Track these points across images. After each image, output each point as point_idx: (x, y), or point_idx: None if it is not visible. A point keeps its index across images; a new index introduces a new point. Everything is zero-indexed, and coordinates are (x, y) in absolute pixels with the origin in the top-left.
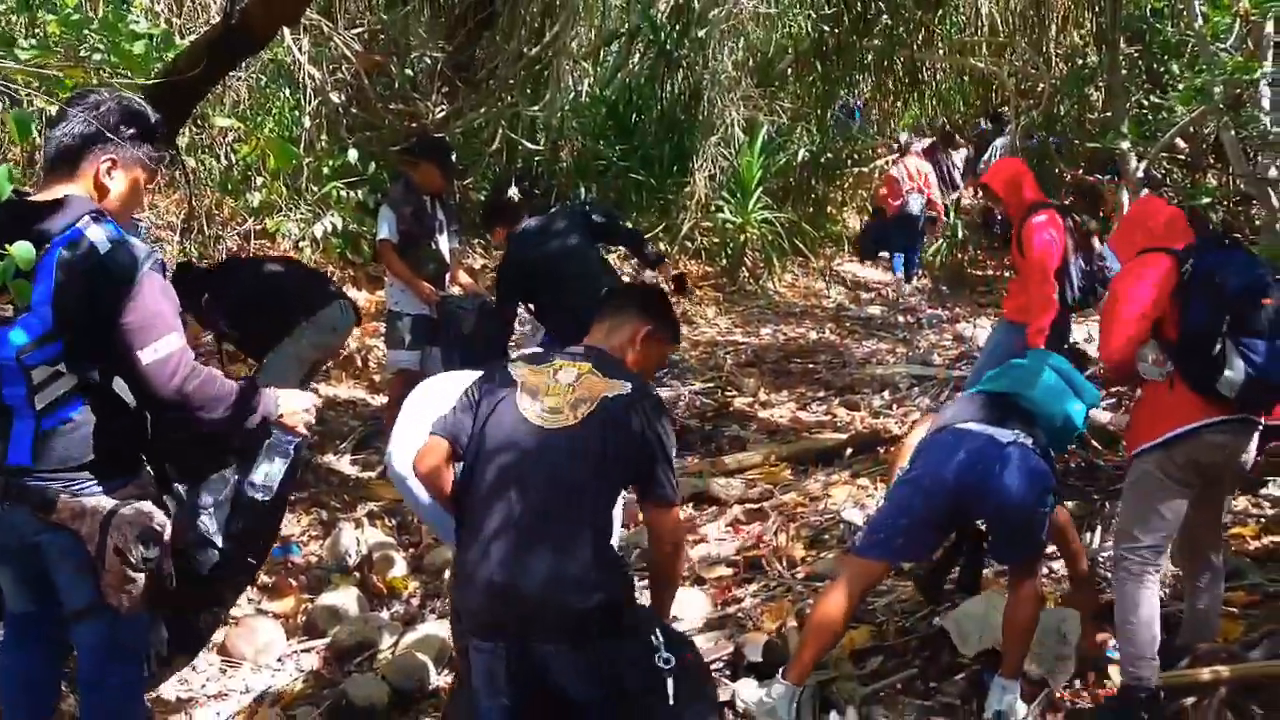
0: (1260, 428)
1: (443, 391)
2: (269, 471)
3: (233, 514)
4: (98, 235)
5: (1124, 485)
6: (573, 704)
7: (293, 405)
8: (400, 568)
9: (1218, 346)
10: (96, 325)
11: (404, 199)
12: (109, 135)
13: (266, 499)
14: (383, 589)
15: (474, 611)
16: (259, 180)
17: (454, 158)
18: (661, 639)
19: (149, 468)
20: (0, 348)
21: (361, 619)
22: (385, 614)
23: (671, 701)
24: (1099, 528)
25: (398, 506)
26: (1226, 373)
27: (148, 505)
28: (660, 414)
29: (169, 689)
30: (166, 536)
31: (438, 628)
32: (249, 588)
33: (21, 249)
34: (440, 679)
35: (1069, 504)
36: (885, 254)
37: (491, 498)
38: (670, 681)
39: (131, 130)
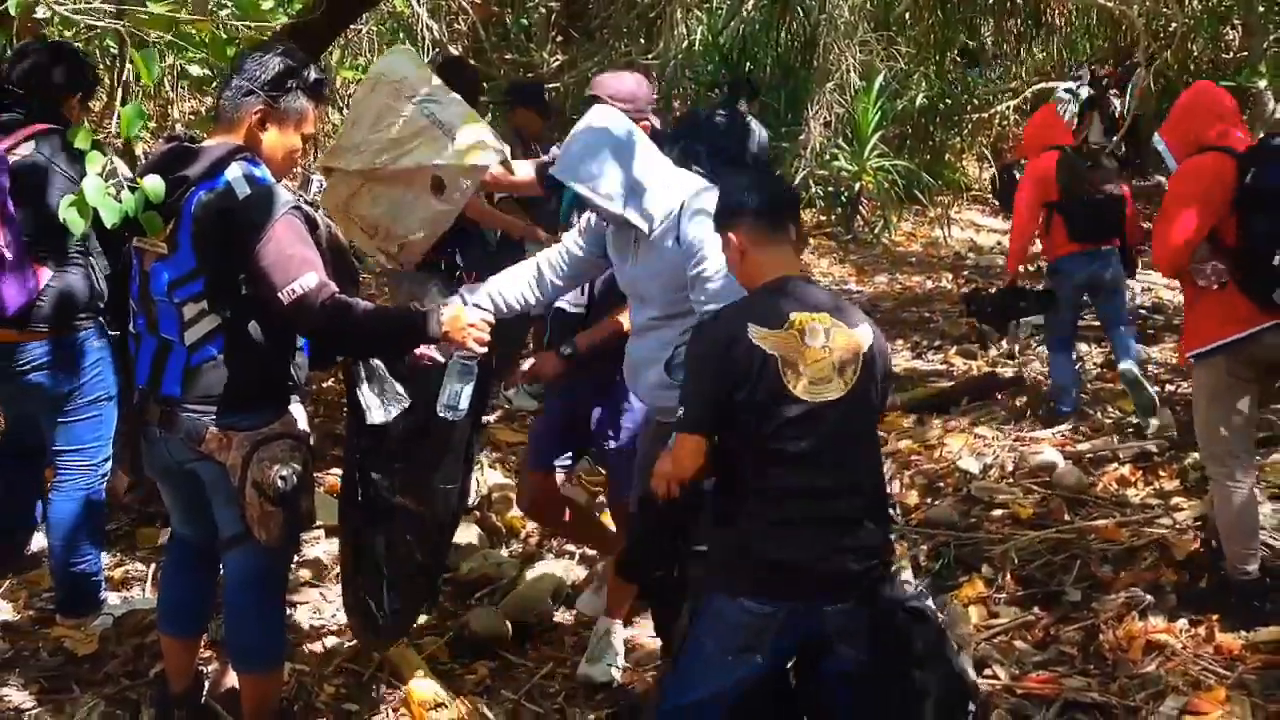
0: None
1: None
2: (453, 392)
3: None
4: (239, 181)
5: (1193, 395)
6: (829, 676)
7: (457, 321)
8: (518, 508)
9: (1277, 258)
10: (230, 267)
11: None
12: (264, 87)
13: (456, 418)
14: (501, 528)
15: (755, 581)
16: None
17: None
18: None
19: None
20: (156, 283)
21: (482, 555)
22: (504, 552)
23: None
24: None
25: (516, 449)
26: None
27: (290, 443)
28: (888, 351)
29: (303, 616)
30: (307, 474)
31: (555, 566)
32: None
33: (152, 183)
34: (558, 614)
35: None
36: None
37: (790, 468)
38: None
39: (288, 83)
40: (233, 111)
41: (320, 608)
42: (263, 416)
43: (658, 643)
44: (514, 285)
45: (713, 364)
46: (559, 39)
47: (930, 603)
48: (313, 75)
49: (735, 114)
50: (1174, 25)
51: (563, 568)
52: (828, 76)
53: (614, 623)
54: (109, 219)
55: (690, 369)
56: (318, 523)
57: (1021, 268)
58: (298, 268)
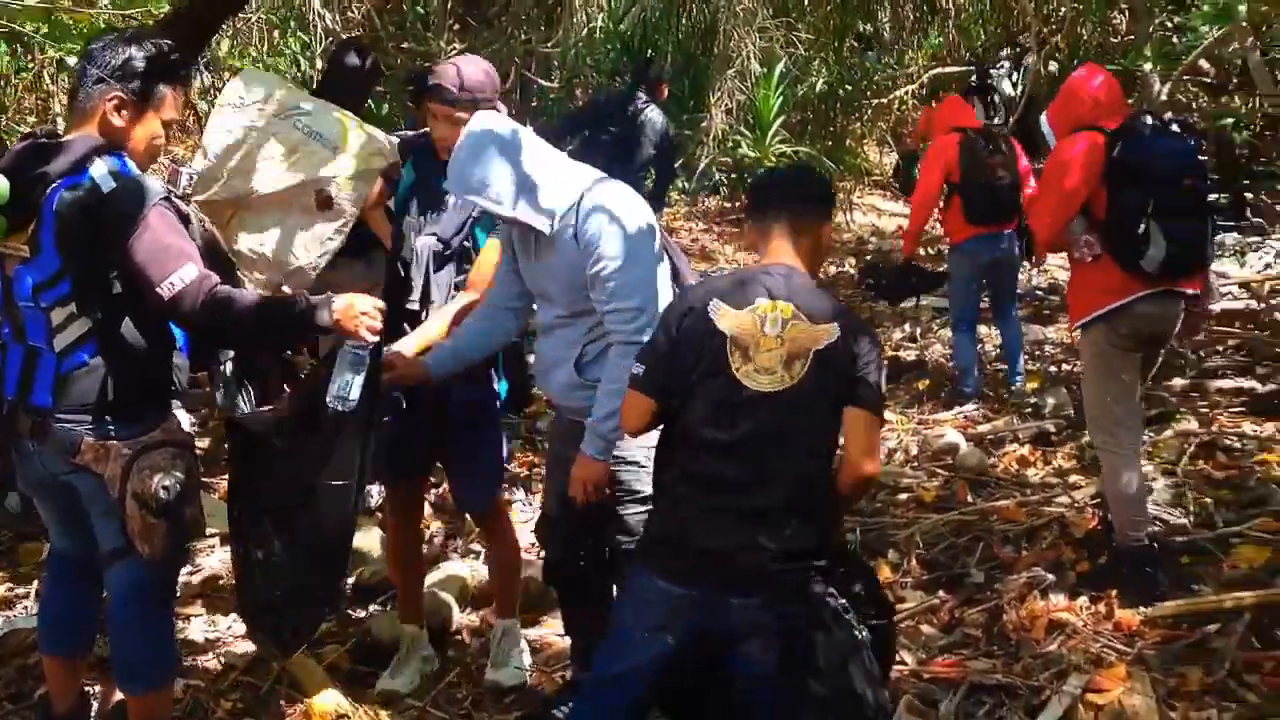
0: (1186, 295)
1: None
2: (343, 382)
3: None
4: (104, 177)
5: (1081, 369)
6: (743, 672)
7: (350, 309)
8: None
9: (1143, 227)
10: (99, 266)
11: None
12: (116, 74)
13: (347, 409)
14: None
15: (674, 563)
16: None
17: None
18: (851, 610)
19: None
20: (20, 288)
21: (384, 559)
22: None
23: (861, 690)
24: None
25: None
26: (1150, 251)
27: (172, 451)
28: (869, 344)
29: (197, 630)
30: (191, 482)
31: (460, 567)
32: None
33: None
34: (463, 617)
35: None
36: None
37: (714, 456)
38: (864, 664)
39: (143, 68)
40: (87, 101)
41: (215, 619)
42: (142, 424)
43: (566, 642)
44: (473, 340)
45: (669, 329)
46: (456, 27)
47: (850, 616)
48: (170, 58)
49: (635, 102)
50: (1064, 10)
51: (468, 569)
52: (729, 63)
53: (511, 622)
54: None
55: (655, 331)
56: (210, 531)
57: (922, 250)
58: (175, 260)
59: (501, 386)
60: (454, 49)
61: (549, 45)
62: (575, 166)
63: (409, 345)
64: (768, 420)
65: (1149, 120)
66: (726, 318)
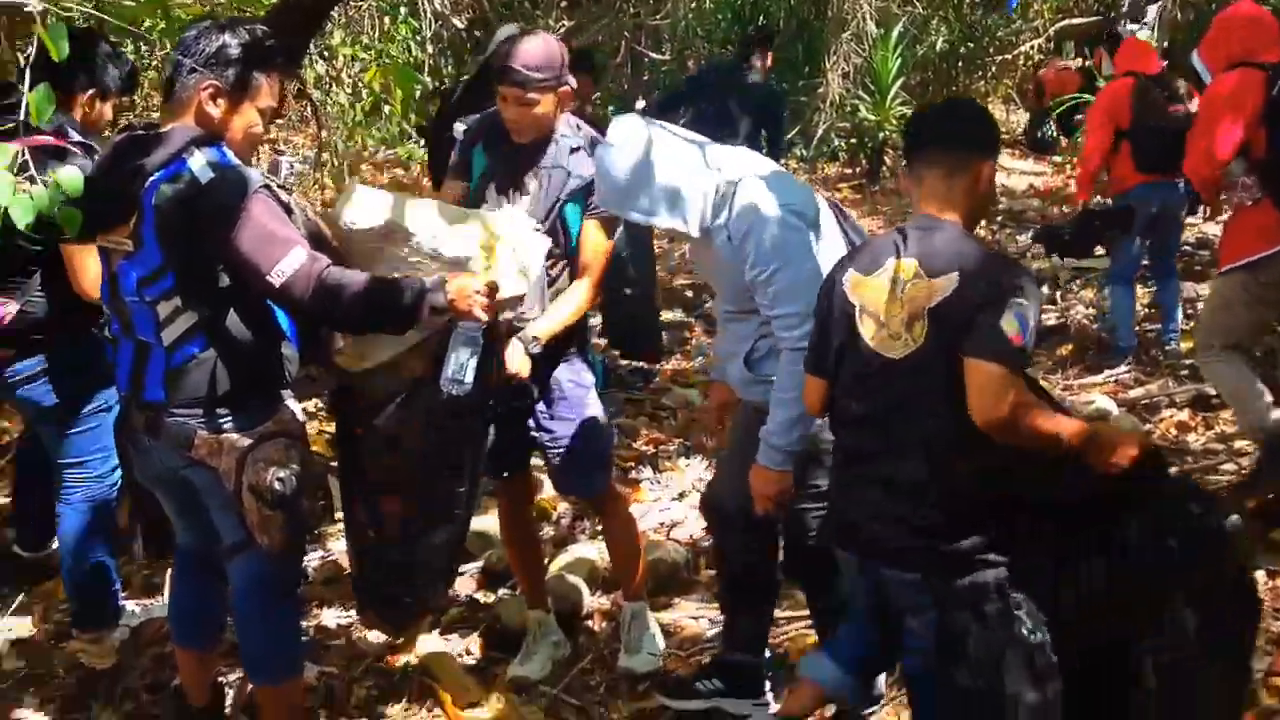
0: None
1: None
2: (458, 365)
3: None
4: (200, 166)
5: (1205, 300)
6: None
7: (464, 290)
8: (548, 489)
9: None
10: (201, 257)
11: None
12: (210, 62)
13: (462, 392)
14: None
15: (837, 532)
16: (387, 109)
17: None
18: (1023, 602)
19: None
20: (125, 283)
21: None
22: None
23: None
24: None
25: None
26: None
27: (285, 442)
28: (992, 287)
29: (329, 617)
30: (307, 472)
31: (588, 549)
32: None
33: (69, 175)
34: (594, 600)
35: None
36: None
37: (851, 430)
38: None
39: (234, 55)
40: (182, 92)
41: (348, 606)
42: (253, 416)
43: (702, 625)
44: None
45: (820, 307)
46: (564, 4)
47: (1022, 611)
48: (265, 44)
49: (736, 71)
50: None
51: (595, 551)
52: (843, 26)
53: (639, 605)
54: (21, 218)
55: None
56: (339, 516)
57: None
58: (281, 246)
59: (598, 366)
60: (562, 26)
61: (659, 18)
62: (726, 159)
63: (540, 330)
64: (895, 388)
65: None
66: (858, 286)
